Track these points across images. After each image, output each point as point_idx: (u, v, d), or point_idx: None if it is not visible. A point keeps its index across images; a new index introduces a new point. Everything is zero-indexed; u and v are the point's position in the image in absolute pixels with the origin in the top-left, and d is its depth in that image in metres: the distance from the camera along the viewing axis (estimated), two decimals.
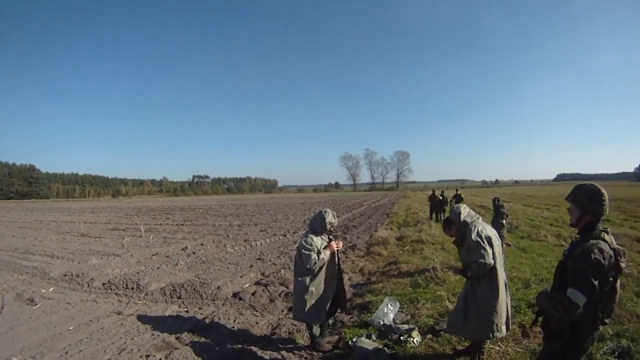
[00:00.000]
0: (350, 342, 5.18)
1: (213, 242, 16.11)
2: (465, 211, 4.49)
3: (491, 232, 4.36)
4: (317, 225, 5.20)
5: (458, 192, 25.21)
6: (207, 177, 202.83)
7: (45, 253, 14.07)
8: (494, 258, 4.14)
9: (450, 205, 12.42)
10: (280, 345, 5.53)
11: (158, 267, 11.10)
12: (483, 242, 4.13)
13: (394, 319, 5.82)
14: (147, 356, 5.16)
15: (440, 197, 23.11)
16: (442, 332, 5.26)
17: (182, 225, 24.41)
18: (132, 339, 5.93)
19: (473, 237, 4.18)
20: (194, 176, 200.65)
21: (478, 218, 4.48)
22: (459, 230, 4.45)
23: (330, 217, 5.21)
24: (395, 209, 32.64)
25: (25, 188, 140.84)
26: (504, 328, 4.22)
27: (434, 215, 22.70)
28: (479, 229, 4.27)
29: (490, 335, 4.18)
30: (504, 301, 4.22)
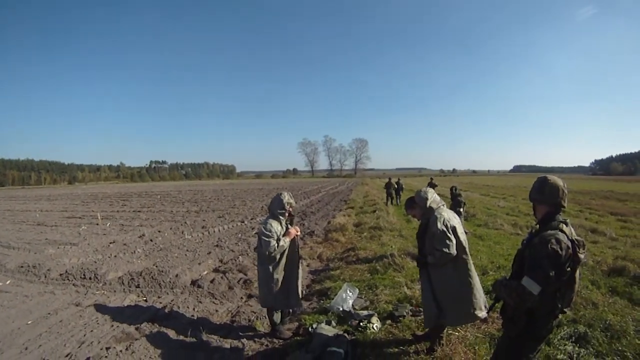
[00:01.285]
0: (310, 329, 5.24)
1: (170, 229, 15.97)
2: (431, 197, 4.49)
3: (456, 221, 4.39)
4: (276, 208, 5.19)
5: (432, 181, 25.39)
6: (164, 162, 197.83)
7: (0, 244, 13.55)
8: (461, 247, 4.20)
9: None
10: (240, 333, 5.54)
11: (115, 256, 10.94)
12: (449, 232, 4.14)
13: (353, 305, 5.90)
14: (107, 348, 5.14)
15: (396, 185, 24.38)
16: (401, 318, 5.36)
17: (139, 212, 24.03)
18: (92, 331, 5.91)
19: (439, 226, 4.17)
20: (151, 162, 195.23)
21: (443, 205, 4.51)
22: (423, 215, 4.50)
23: (287, 198, 5.20)
24: (353, 195, 32.83)
25: None
26: (484, 308, 4.28)
27: (389, 201, 23.78)
28: (445, 217, 4.27)
29: (472, 318, 4.25)
30: (479, 283, 4.33)
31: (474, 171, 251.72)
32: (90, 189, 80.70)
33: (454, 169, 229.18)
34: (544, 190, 3.00)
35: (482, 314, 4.24)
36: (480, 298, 4.28)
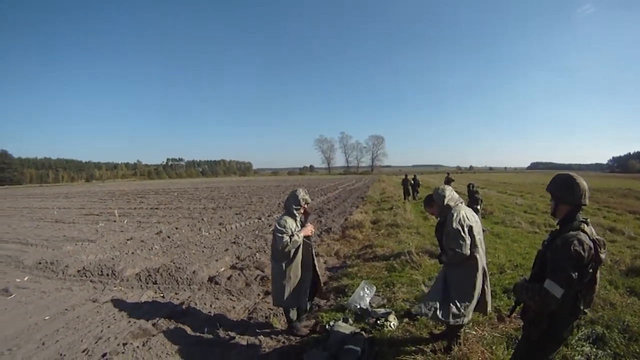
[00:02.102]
0: (327, 326, 5.18)
1: (188, 225, 15.98)
2: (449, 194, 4.41)
3: (473, 219, 4.29)
4: (292, 205, 5.17)
5: (449, 176, 25.62)
6: (181, 160, 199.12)
7: (19, 241, 13.70)
8: (474, 247, 4.12)
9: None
10: (257, 330, 5.52)
11: (133, 252, 10.96)
12: (463, 232, 4.07)
13: (370, 303, 5.84)
14: (124, 344, 5.11)
15: (412, 181, 24.68)
16: (418, 317, 5.23)
17: (156, 209, 24.12)
18: (109, 327, 5.89)
19: (454, 224, 4.10)
20: (168, 159, 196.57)
21: (461, 202, 4.42)
22: (440, 213, 4.41)
23: (302, 194, 5.20)
24: (370, 192, 32.66)
25: None
26: (470, 315, 4.23)
27: (407, 197, 24.01)
28: (462, 216, 4.19)
29: (458, 320, 4.16)
30: (478, 289, 4.22)
31: (490, 168, 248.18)
32: (107, 186, 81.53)
33: (470, 166, 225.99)
34: (574, 191, 2.85)
35: (465, 319, 4.19)
36: (473, 303, 4.20)
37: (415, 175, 26.12)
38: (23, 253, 11.50)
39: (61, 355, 5.05)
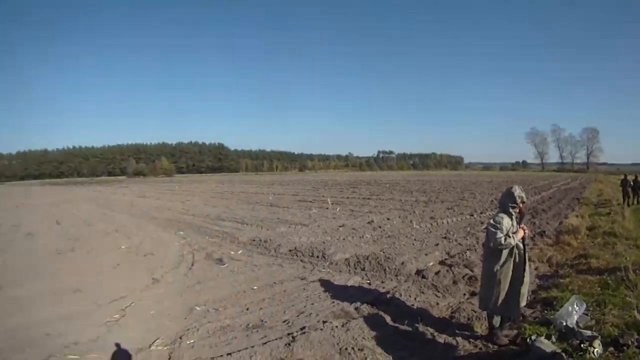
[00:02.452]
0: (528, 340, 5.02)
1: (399, 217, 16.38)
2: None
3: None
4: (507, 202, 5.09)
5: None
6: (391, 152, 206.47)
7: (235, 220, 16.02)
8: None
9: None
10: (456, 331, 5.52)
11: (344, 239, 11.73)
12: None
13: (577, 322, 5.42)
14: (324, 322, 5.50)
15: (632, 183, 23.54)
16: (625, 347, 4.73)
17: (368, 199, 25.39)
18: (312, 304, 6.42)
19: None
20: (378, 151, 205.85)
21: None
22: None
23: (518, 192, 5.12)
24: (587, 193, 29.87)
25: (216, 164, 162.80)
26: None
27: (626, 201, 23.00)
28: None
29: None
30: None
31: None
32: (320, 176, 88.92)
33: None
34: None
35: None
36: None
37: (636, 176, 24.34)
38: (239, 231, 13.39)
39: (262, 321, 5.71)
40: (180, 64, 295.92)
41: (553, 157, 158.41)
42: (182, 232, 13.80)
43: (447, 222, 15.11)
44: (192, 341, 5.18)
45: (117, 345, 5.21)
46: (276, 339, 5.07)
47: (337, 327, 5.26)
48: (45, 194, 48.26)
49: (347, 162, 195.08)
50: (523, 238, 5.09)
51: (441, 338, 5.22)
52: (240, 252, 10.46)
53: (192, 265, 9.29)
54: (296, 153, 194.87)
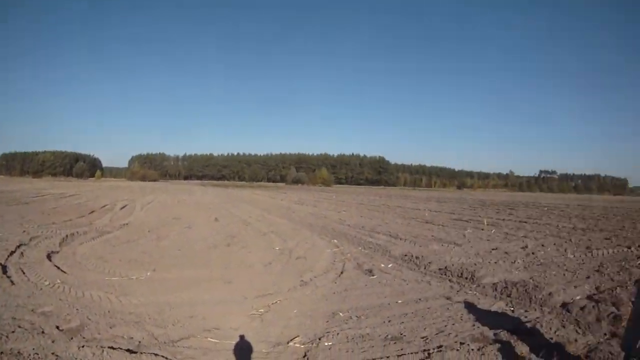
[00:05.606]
0: None
1: (554, 244, 15.45)
2: None
3: None
4: None
5: None
6: (554, 172, 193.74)
7: (389, 234, 16.39)
8: None
9: None
10: None
11: (495, 262, 11.50)
12: None
13: None
14: (461, 343, 5.63)
15: None
16: None
17: (524, 222, 24.14)
18: (453, 324, 6.53)
19: None
20: (540, 171, 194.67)
21: None
22: None
23: None
24: None
25: (375, 176, 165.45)
26: None
27: None
28: None
29: None
30: None
31: None
32: (477, 194, 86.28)
33: None
34: None
35: None
36: None
37: None
38: (392, 245, 13.74)
39: (401, 334, 5.97)
40: (342, 79, 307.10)
41: None
42: (335, 241, 14.52)
43: (603, 254, 13.99)
44: (330, 344, 5.59)
45: (257, 336, 5.82)
46: (412, 353, 5.32)
47: (473, 350, 5.37)
48: (204, 192, 53.00)
49: (506, 181, 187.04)
50: None
51: None
52: (390, 265, 10.80)
53: (342, 273, 9.85)
54: (456, 169, 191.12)
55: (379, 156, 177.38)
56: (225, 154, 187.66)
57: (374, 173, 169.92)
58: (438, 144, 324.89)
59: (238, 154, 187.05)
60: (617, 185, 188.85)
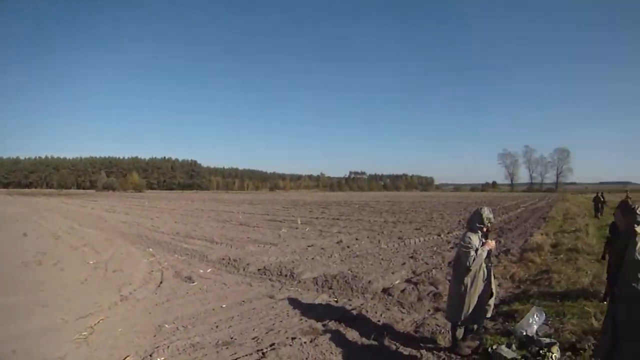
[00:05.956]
0: (489, 349, 5.28)
1: (367, 237, 16.49)
2: None
3: None
4: (475, 223, 5.34)
5: (600, 195, 27.93)
6: (363, 173, 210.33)
7: (205, 238, 15.91)
8: None
9: None
10: (421, 344, 5.69)
11: (312, 258, 11.77)
12: None
13: (537, 331, 5.70)
14: (292, 338, 5.59)
15: (602, 198, 27.64)
16: (582, 351, 5.13)
17: (337, 219, 25.49)
18: (281, 321, 6.46)
19: (636, 255, 3.56)
20: (350, 172, 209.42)
21: None
22: (626, 230, 3.88)
23: (487, 213, 5.36)
24: (553, 212, 30.89)
25: (187, 180, 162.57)
26: None
27: (597, 215, 26.72)
28: None
29: None
30: None
31: None
32: (290, 195, 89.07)
33: None
34: None
35: None
36: None
37: (602, 193, 28.82)
38: (208, 249, 13.30)
39: (232, 338, 5.72)
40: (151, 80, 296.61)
41: (523, 177, 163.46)
42: (151, 249, 13.59)
43: (415, 242, 15.29)
44: (162, 359, 5.13)
45: None
46: (246, 356, 5.13)
47: (305, 343, 5.37)
48: (13, 204, 47.30)
49: (318, 182, 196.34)
50: (490, 251, 5.30)
51: (406, 351, 5.38)
52: (209, 270, 10.36)
53: (161, 282, 9.16)
54: (268, 172, 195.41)
55: (191, 160, 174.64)
56: (33, 157, 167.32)
57: (186, 177, 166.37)
58: (249, 147, 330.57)
59: (46, 157, 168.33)
60: (424, 183, 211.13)
